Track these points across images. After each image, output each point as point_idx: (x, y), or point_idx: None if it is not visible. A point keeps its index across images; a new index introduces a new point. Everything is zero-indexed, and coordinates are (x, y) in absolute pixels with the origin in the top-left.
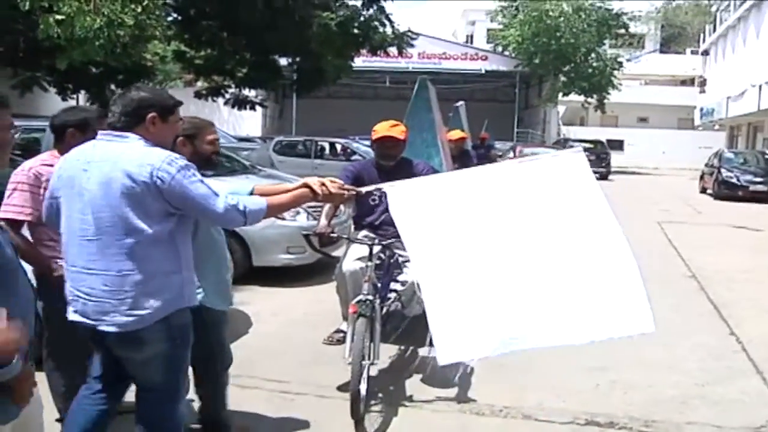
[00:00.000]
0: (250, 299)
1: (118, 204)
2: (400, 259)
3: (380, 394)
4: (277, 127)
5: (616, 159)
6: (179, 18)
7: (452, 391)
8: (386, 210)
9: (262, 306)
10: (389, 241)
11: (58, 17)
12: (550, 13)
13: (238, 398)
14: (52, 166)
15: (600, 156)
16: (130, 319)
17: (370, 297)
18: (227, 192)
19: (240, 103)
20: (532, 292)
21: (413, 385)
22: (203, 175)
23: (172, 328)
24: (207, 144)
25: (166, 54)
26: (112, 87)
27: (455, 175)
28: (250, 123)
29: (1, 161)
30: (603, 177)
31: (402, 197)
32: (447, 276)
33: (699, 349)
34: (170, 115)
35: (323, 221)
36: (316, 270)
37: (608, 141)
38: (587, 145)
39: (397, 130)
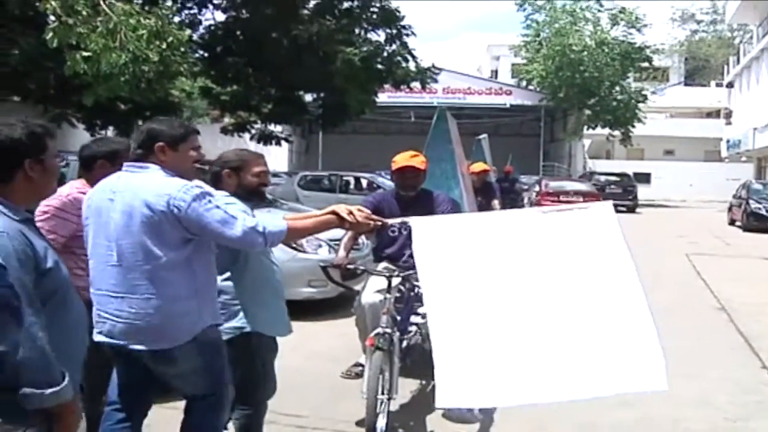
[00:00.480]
0: None
1: (138, 232)
2: (420, 292)
3: (400, 430)
4: (304, 162)
5: (643, 192)
6: (206, 55)
7: (473, 428)
8: (406, 242)
9: (283, 339)
10: (407, 272)
11: (85, 54)
12: (574, 47)
13: None
14: (85, 193)
15: (626, 189)
16: (158, 339)
17: (389, 330)
18: (246, 215)
19: (265, 138)
20: (544, 345)
21: (434, 420)
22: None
23: (201, 345)
24: (252, 176)
25: (193, 90)
26: (140, 123)
27: (481, 217)
28: (276, 158)
29: (50, 188)
30: (630, 210)
31: (426, 232)
32: (458, 317)
33: (728, 382)
34: (180, 144)
35: (341, 253)
36: (338, 303)
37: (635, 174)
38: (613, 178)
39: (417, 161)
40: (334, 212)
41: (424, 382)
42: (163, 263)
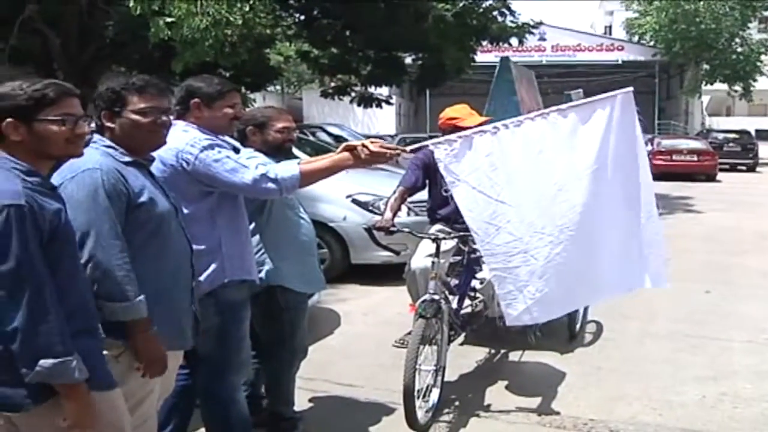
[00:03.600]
0: (345, 298)
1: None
2: (479, 254)
3: (457, 402)
4: (412, 125)
5: (766, 150)
6: (302, 18)
7: (535, 401)
8: None
9: (355, 305)
10: (459, 234)
11: (168, 20)
12: None
13: (305, 402)
14: None
15: (746, 147)
16: None
17: (436, 296)
18: (259, 163)
19: (366, 101)
20: (584, 251)
21: (495, 392)
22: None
23: (221, 303)
24: (276, 132)
25: (290, 54)
26: (242, 89)
27: (503, 128)
28: (383, 121)
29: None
30: (750, 169)
31: (450, 156)
32: (503, 237)
33: None
34: (216, 101)
35: (387, 214)
36: None
37: (757, 131)
38: (732, 135)
39: (474, 120)
40: (348, 148)
41: (492, 350)
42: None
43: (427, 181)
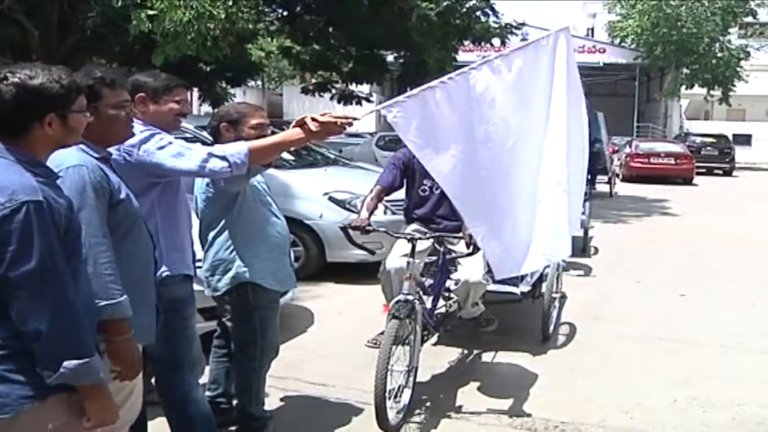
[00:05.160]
0: (319, 296)
1: None
2: (456, 255)
3: (428, 403)
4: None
5: (742, 155)
6: (284, 13)
7: (507, 402)
8: (440, 201)
9: (329, 303)
10: (435, 234)
11: (150, 12)
12: (671, 2)
13: (276, 401)
14: None
15: (723, 151)
16: None
17: (410, 297)
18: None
19: (346, 98)
20: (546, 202)
21: (467, 393)
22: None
23: (163, 301)
24: (250, 128)
25: (272, 50)
26: (222, 84)
27: (449, 81)
28: (363, 119)
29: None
30: (726, 173)
31: (403, 116)
32: (476, 195)
33: None
34: (163, 96)
35: (363, 213)
36: None
37: (734, 136)
38: (709, 139)
39: None
40: (299, 123)
41: (465, 351)
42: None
43: (404, 181)
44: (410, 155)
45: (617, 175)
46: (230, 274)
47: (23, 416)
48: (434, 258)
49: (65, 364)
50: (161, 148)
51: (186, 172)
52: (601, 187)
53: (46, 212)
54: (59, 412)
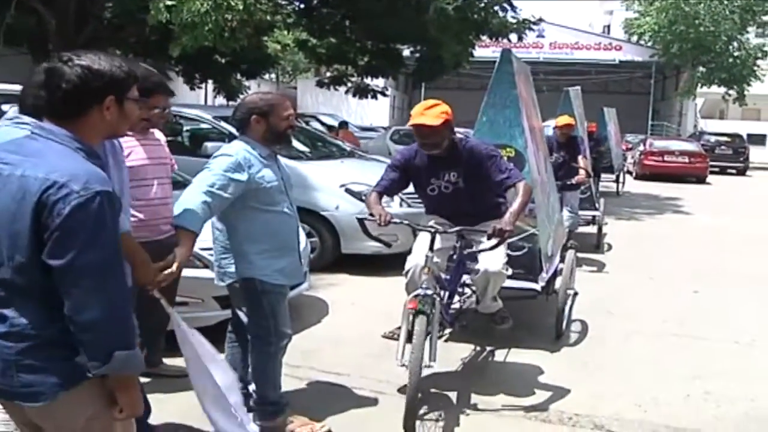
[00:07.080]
0: (333, 286)
1: None
2: (475, 250)
3: (443, 398)
4: (405, 118)
5: (757, 154)
6: (301, 6)
7: (521, 396)
8: (453, 201)
9: (343, 294)
10: (457, 229)
11: (168, 3)
12: None
13: (291, 389)
14: None
15: (737, 150)
16: None
17: (430, 291)
18: None
19: (361, 92)
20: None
21: (482, 388)
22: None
23: None
24: (282, 120)
25: (288, 43)
26: (237, 76)
27: None
28: (376, 113)
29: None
30: (740, 172)
31: None
32: None
33: None
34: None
35: (379, 209)
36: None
37: (749, 135)
38: (724, 138)
39: (431, 114)
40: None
41: (478, 348)
42: None
43: (408, 182)
44: (410, 155)
45: (629, 173)
46: (235, 269)
47: (57, 404)
48: (451, 253)
49: (116, 354)
50: None
51: None
52: (609, 186)
53: (115, 203)
54: (92, 401)
